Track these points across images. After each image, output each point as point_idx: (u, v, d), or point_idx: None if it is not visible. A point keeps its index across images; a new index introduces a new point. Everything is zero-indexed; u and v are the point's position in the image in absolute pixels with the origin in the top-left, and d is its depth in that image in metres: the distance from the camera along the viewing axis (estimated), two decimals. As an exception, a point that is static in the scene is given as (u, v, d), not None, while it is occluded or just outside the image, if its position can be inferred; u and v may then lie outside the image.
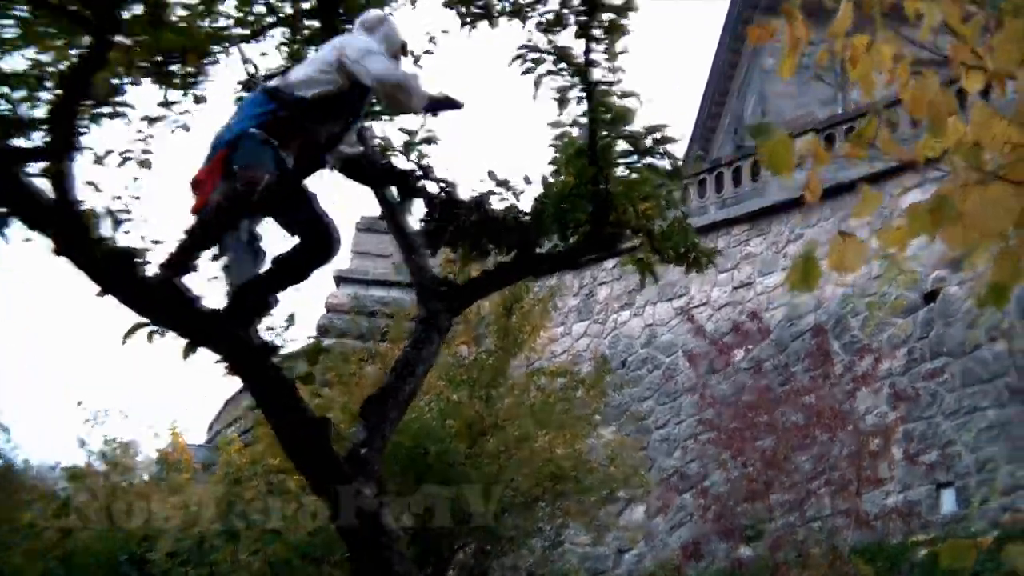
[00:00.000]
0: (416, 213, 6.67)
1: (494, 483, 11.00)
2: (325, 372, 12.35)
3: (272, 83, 5.43)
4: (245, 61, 7.07)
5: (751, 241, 18.81)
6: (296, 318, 6.00)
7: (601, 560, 16.88)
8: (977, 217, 3.29)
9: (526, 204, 6.59)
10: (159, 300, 4.86)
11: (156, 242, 5.23)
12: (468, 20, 6.52)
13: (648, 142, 6.44)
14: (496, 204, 6.56)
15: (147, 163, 7.13)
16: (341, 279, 23.22)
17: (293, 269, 5.21)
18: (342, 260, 24.45)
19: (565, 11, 6.16)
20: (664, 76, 39.80)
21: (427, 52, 7.34)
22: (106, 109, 5.68)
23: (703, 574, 13.38)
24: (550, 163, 6.65)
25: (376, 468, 5.84)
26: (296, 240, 5.21)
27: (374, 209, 6.89)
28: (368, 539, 5.59)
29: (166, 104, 6.98)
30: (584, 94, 6.25)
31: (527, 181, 6.66)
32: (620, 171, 6.50)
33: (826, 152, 4.05)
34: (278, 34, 7.06)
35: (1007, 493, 13.57)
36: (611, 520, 13.68)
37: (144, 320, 4.97)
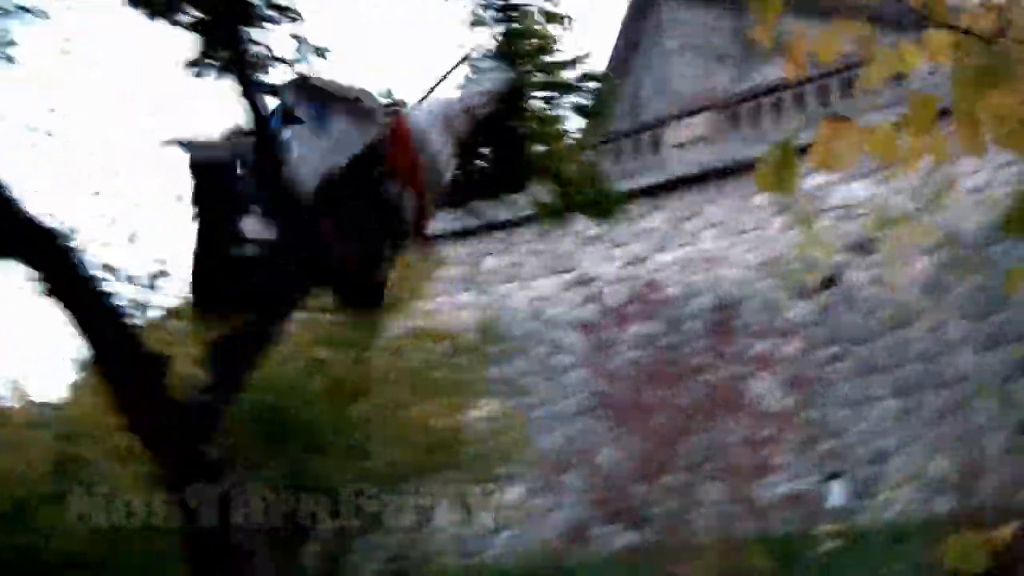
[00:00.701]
0: None
1: (361, 453, 9.94)
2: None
3: None
4: None
5: (648, 216, 18.01)
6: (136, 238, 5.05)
7: (474, 541, 15.86)
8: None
9: None
10: None
11: None
12: None
13: (568, 76, 5.72)
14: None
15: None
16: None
17: None
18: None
19: None
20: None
21: None
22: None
23: (586, 563, 12.36)
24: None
25: (221, 418, 4.90)
26: None
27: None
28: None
29: None
30: (502, 14, 5.52)
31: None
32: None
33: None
34: None
35: (899, 486, 13.04)
36: (487, 498, 12.68)
37: None
